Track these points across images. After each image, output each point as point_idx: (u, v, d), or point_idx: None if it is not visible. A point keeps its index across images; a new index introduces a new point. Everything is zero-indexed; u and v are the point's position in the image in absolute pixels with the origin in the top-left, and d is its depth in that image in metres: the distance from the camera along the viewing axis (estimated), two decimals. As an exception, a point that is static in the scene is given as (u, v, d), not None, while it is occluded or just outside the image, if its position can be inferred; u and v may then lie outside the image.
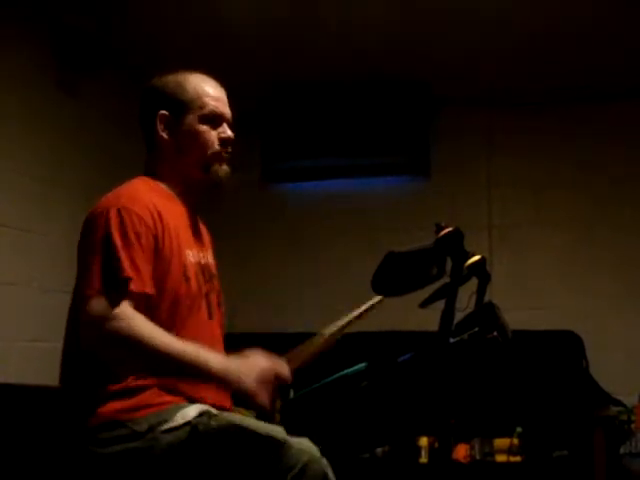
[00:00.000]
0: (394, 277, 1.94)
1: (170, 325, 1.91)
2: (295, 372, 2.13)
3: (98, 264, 1.83)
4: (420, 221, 4.67)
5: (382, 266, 1.92)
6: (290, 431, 1.82)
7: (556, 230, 4.97)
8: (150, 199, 2.00)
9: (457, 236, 1.92)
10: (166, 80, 2.14)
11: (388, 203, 5.17)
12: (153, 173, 2.11)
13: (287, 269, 5.19)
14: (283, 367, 1.89)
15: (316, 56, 4.64)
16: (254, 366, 1.84)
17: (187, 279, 1.99)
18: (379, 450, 4.11)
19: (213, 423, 1.86)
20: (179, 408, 1.88)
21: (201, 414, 1.88)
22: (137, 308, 1.82)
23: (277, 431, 1.85)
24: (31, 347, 3.79)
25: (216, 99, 2.12)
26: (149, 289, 1.86)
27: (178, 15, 4.17)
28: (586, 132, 4.97)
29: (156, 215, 1.96)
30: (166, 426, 1.84)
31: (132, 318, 1.79)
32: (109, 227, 1.87)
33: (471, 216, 4.88)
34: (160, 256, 1.94)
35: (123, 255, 1.85)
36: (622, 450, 4.02)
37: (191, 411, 1.88)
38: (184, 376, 1.87)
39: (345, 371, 1.81)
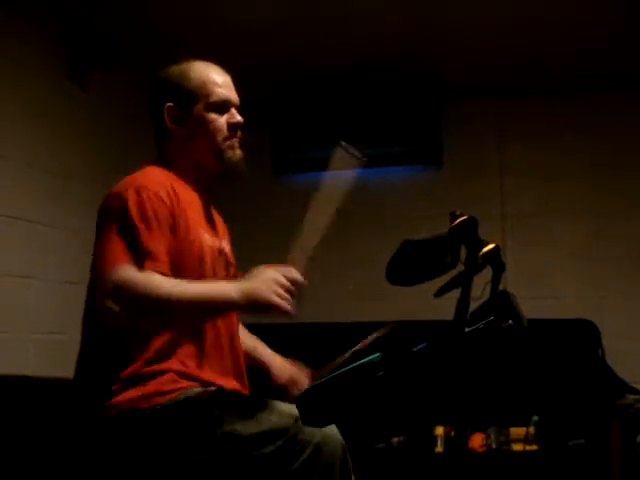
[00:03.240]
0: (409, 266, 1.93)
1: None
2: (309, 362, 2.15)
3: (117, 241, 1.84)
4: (432, 210, 4.67)
5: (397, 255, 1.92)
6: (305, 421, 1.83)
7: (570, 218, 4.95)
8: (163, 179, 2.01)
9: (472, 224, 1.91)
10: (170, 71, 2.15)
11: (400, 193, 5.16)
12: (165, 163, 2.11)
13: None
14: (292, 271, 1.91)
15: (328, 47, 4.63)
16: (267, 280, 1.84)
17: (202, 259, 2.00)
18: (395, 440, 4.12)
19: (228, 404, 1.89)
20: (194, 393, 1.90)
21: (216, 397, 1.90)
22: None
23: (291, 409, 1.87)
24: (48, 339, 3.81)
25: (221, 85, 2.12)
26: (164, 268, 1.86)
27: (191, 8, 4.17)
28: (599, 120, 4.94)
29: (172, 193, 1.98)
30: (183, 412, 1.86)
31: (142, 276, 1.79)
32: (127, 206, 1.88)
33: (484, 205, 4.87)
34: (177, 233, 1.94)
35: (142, 231, 1.85)
36: (638, 438, 4.01)
37: (206, 395, 1.90)
38: (211, 316, 1.90)
39: (361, 361, 1.81)
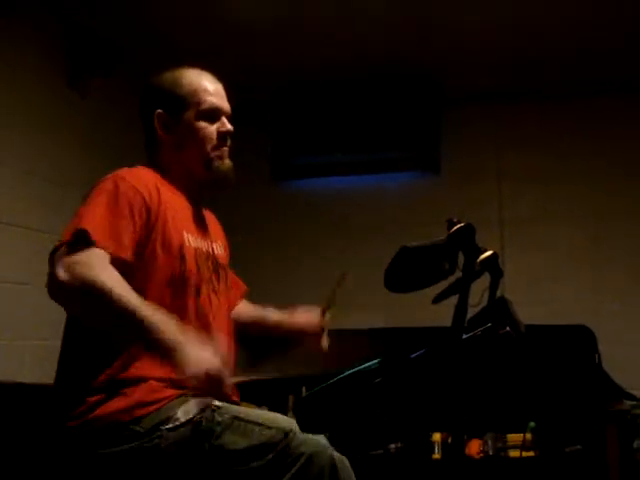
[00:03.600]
0: (407, 273, 1.94)
1: (160, 302, 1.88)
2: (307, 367, 2.15)
3: (74, 220, 1.86)
4: (430, 216, 4.67)
5: (395, 261, 1.92)
6: (303, 428, 1.83)
7: (568, 224, 4.96)
8: (148, 176, 2.02)
9: (469, 231, 1.92)
10: (162, 78, 2.14)
11: (399, 199, 5.17)
12: (156, 169, 2.11)
13: (298, 265, 5.20)
14: (227, 378, 1.78)
15: (327, 53, 4.63)
16: (206, 362, 1.71)
17: (183, 257, 1.98)
18: (392, 446, 4.12)
19: (217, 417, 1.85)
20: (180, 404, 1.86)
21: (204, 409, 1.86)
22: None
23: (283, 421, 1.86)
24: (45, 346, 3.80)
25: (213, 93, 2.11)
26: (125, 254, 1.84)
27: (190, 14, 4.18)
28: (597, 125, 4.95)
29: (154, 191, 1.97)
30: (169, 425, 1.83)
31: (102, 268, 1.76)
32: (102, 191, 1.90)
33: (482, 211, 4.88)
34: (155, 230, 1.93)
35: (106, 215, 1.85)
36: (635, 444, 4.01)
37: (193, 406, 1.87)
38: (134, 334, 1.77)
39: (358, 367, 1.82)
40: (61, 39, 4.05)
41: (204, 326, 2.00)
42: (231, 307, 2.25)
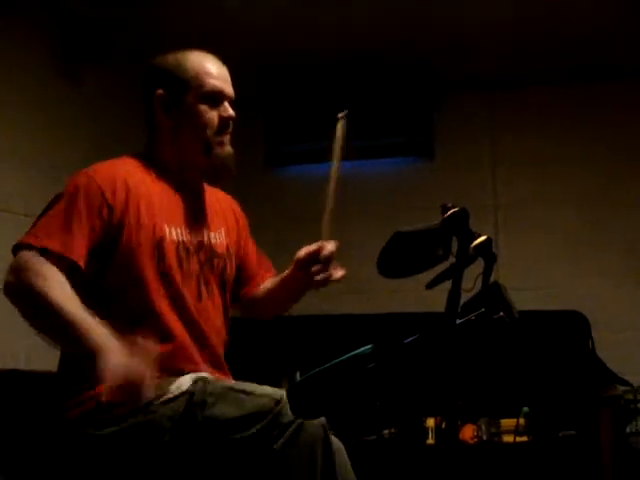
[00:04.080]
0: (400, 258, 1.93)
1: (140, 302, 1.89)
2: (300, 354, 2.14)
3: (47, 222, 1.89)
4: (425, 202, 4.67)
5: (388, 247, 1.92)
6: (296, 414, 1.83)
7: (562, 209, 4.96)
8: (120, 172, 1.98)
9: (463, 216, 1.91)
10: (166, 58, 2.10)
11: (392, 184, 5.16)
12: (150, 153, 2.08)
13: (292, 252, 5.18)
14: (149, 382, 1.72)
15: (319, 38, 4.62)
16: (124, 371, 1.67)
17: (160, 248, 1.95)
18: (386, 432, 4.13)
19: (208, 388, 1.86)
20: (173, 379, 1.88)
21: (195, 381, 1.88)
22: (59, 269, 1.81)
23: (273, 391, 1.87)
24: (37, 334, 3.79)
25: (216, 77, 2.06)
26: (75, 256, 1.84)
27: (182, 3, 4.16)
28: (592, 110, 4.95)
29: (121, 186, 1.94)
30: (162, 399, 1.84)
31: (47, 276, 1.78)
32: (65, 193, 1.92)
33: (476, 196, 4.88)
34: (126, 227, 1.91)
35: (65, 220, 1.86)
36: (628, 429, 4.04)
37: (185, 380, 1.88)
38: (63, 339, 1.80)
39: (351, 353, 1.81)
40: (53, 26, 4.02)
41: (192, 316, 1.99)
42: (222, 302, 2.19)
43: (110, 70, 4.39)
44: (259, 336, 4.48)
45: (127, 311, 1.91)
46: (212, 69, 2.07)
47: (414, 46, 4.75)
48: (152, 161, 2.08)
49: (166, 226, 1.99)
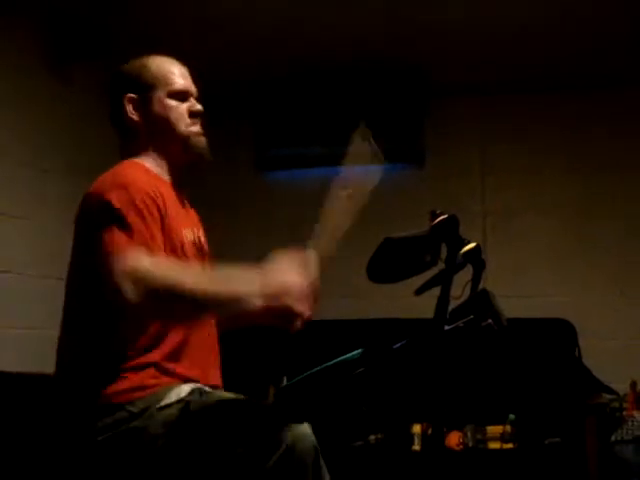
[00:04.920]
0: (390, 264, 1.94)
1: None
2: (288, 360, 2.14)
3: (117, 235, 1.82)
4: (414, 209, 4.67)
5: (378, 253, 1.92)
6: (283, 418, 1.83)
7: (550, 218, 4.98)
8: (147, 175, 2.01)
9: (452, 223, 1.92)
10: (129, 64, 2.17)
11: (381, 191, 5.15)
12: (134, 156, 2.09)
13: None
14: (310, 273, 1.90)
15: (309, 43, 4.62)
16: (288, 285, 1.83)
17: (186, 256, 2.00)
18: (372, 437, 4.13)
19: (204, 399, 1.87)
20: (173, 388, 1.89)
21: (193, 391, 1.89)
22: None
23: (269, 409, 1.88)
24: (27, 334, 3.79)
25: (180, 75, 2.13)
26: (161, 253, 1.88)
27: (172, 3, 4.16)
28: (581, 119, 4.97)
29: (157, 190, 1.97)
30: (159, 405, 1.85)
31: (162, 265, 1.80)
32: (116, 204, 1.86)
33: (465, 203, 4.89)
34: (164, 231, 1.94)
35: (139, 223, 1.85)
36: (613, 437, 4.04)
37: (184, 389, 1.90)
38: (227, 309, 1.88)
39: (340, 358, 1.82)
40: (45, 25, 4.01)
41: (194, 326, 2.01)
42: None
43: (101, 69, 4.37)
44: (246, 342, 4.47)
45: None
46: (175, 69, 2.15)
47: (404, 53, 4.76)
48: (136, 159, 2.09)
49: (183, 229, 2.04)
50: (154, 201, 1.93)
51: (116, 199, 1.87)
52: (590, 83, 4.92)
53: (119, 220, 1.84)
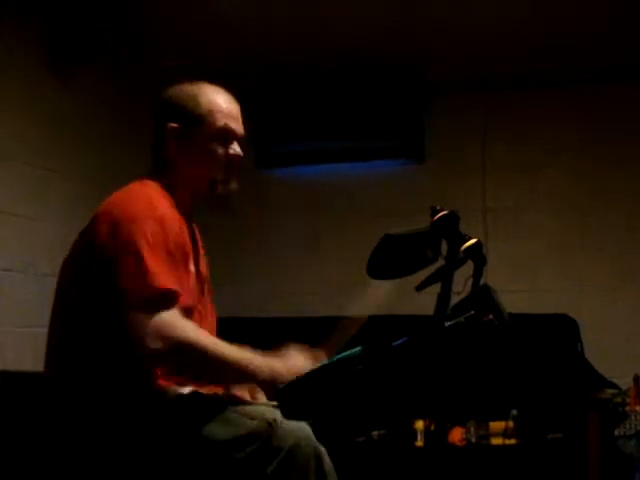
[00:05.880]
0: (390, 260, 1.94)
1: None
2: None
3: (142, 273, 1.80)
4: (414, 205, 4.67)
5: (378, 249, 1.92)
6: (285, 416, 1.83)
7: (551, 213, 4.98)
8: (174, 212, 1.99)
9: (452, 219, 1.92)
10: (179, 91, 2.10)
11: (382, 187, 5.16)
12: (161, 181, 2.06)
13: (281, 253, 5.19)
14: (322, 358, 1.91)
15: (310, 40, 4.62)
16: (298, 369, 1.84)
17: (189, 289, 1.99)
18: (375, 434, 4.13)
19: (204, 407, 1.88)
20: (169, 391, 1.91)
21: (193, 397, 1.91)
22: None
23: (267, 412, 1.87)
24: (28, 333, 3.78)
25: (228, 115, 2.09)
26: (191, 302, 1.91)
27: (173, 1, 4.15)
28: (582, 115, 4.96)
29: (182, 229, 1.98)
30: (159, 408, 1.87)
31: (194, 328, 1.82)
32: (151, 238, 1.84)
33: (465, 199, 4.88)
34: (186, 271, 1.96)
35: (167, 267, 1.83)
36: (616, 432, 4.04)
37: (184, 389, 1.92)
38: (237, 382, 1.95)
39: (340, 355, 1.81)
40: (43, 26, 4.00)
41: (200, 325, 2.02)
42: (214, 321, 2.22)
43: (100, 69, 4.38)
44: (248, 339, 4.47)
45: None
46: (225, 107, 2.10)
47: (405, 49, 4.75)
48: (165, 189, 2.07)
49: (191, 260, 2.03)
50: (182, 242, 1.93)
51: (150, 233, 1.84)
52: (593, 78, 4.91)
53: (150, 258, 1.81)
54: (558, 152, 5.00)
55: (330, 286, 4.97)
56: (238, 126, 2.11)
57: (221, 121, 2.06)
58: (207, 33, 4.42)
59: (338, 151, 5.12)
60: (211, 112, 2.06)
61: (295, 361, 1.88)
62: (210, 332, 2.07)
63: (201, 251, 2.18)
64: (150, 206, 1.91)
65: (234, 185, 2.10)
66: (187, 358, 1.80)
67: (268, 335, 2.06)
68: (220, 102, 2.09)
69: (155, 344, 1.75)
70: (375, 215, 4.98)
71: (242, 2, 4.17)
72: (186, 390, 1.92)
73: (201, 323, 2.00)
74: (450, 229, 1.90)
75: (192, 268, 2.02)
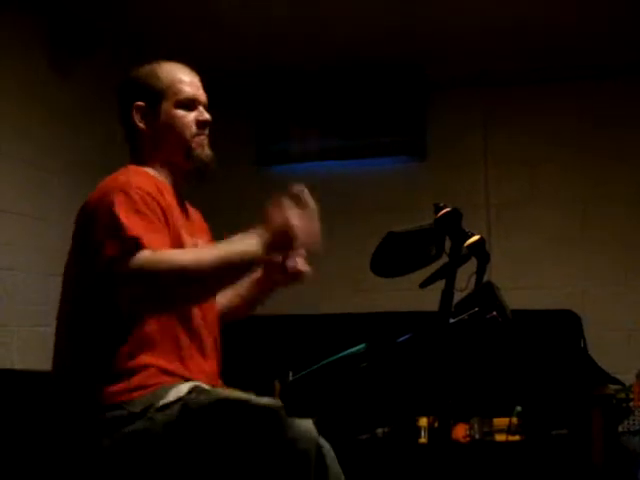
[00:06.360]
0: (393, 257, 1.94)
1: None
2: (293, 354, 2.14)
3: (110, 235, 1.83)
4: (417, 202, 4.68)
5: (381, 246, 1.92)
6: (290, 413, 1.83)
7: (554, 209, 4.97)
8: (150, 179, 2.03)
9: (455, 216, 1.92)
10: (139, 71, 2.17)
11: (385, 184, 5.16)
12: (139, 163, 2.11)
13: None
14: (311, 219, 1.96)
15: (311, 38, 4.61)
16: (287, 231, 1.89)
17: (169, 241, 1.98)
18: (379, 431, 4.13)
19: (203, 398, 1.88)
20: (172, 387, 1.90)
21: (191, 390, 1.90)
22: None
23: (269, 402, 1.87)
24: (33, 332, 3.79)
25: (189, 84, 2.13)
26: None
27: (173, 1, 4.15)
28: (584, 109, 4.96)
29: (159, 193, 1.98)
30: (159, 405, 1.86)
31: (162, 253, 1.81)
32: (117, 205, 1.87)
33: (468, 196, 4.88)
34: (168, 227, 1.95)
35: (139, 221, 1.85)
36: (620, 428, 4.04)
37: (183, 388, 1.90)
38: (238, 270, 1.90)
39: (345, 352, 1.81)
40: (43, 20, 4.00)
41: (195, 327, 2.02)
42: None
43: (104, 66, 4.37)
44: (251, 337, 4.47)
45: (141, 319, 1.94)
46: (185, 78, 2.15)
47: (405, 47, 4.75)
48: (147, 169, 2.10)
49: (182, 231, 2.04)
50: (156, 201, 1.93)
51: (117, 202, 1.87)
52: (593, 73, 4.91)
53: (119, 223, 1.84)
54: (560, 147, 4.99)
55: (330, 283, 4.97)
56: (200, 93, 2.16)
57: (183, 90, 2.12)
58: (207, 31, 4.42)
59: (339, 148, 5.12)
60: (173, 83, 2.12)
61: (285, 226, 1.90)
62: (213, 308, 2.12)
63: (199, 230, 2.19)
64: (114, 182, 1.95)
65: (209, 151, 2.14)
66: (177, 284, 1.80)
67: (276, 334, 2.06)
68: (179, 73, 2.15)
69: (144, 294, 1.78)
70: (377, 212, 4.98)
71: (242, 2, 4.16)
72: (186, 386, 1.91)
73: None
74: (453, 226, 1.90)
75: (186, 240, 2.03)
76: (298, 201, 1.95)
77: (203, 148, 2.12)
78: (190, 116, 2.11)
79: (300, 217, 1.91)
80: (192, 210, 2.24)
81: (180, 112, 2.10)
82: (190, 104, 2.12)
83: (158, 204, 1.94)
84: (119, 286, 1.79)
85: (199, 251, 1.91)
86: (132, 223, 1.84)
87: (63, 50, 4.08)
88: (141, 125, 2.10)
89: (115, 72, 4.39)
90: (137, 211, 1.88)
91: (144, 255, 1.78)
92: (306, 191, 1.99)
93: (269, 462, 1.81)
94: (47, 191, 4.01)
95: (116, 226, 1.84)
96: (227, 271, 1.86)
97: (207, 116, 2.14)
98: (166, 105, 2.10)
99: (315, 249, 1.96)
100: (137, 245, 1.80)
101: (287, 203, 1.93)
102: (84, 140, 4.25)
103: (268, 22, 4.39)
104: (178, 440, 1.84)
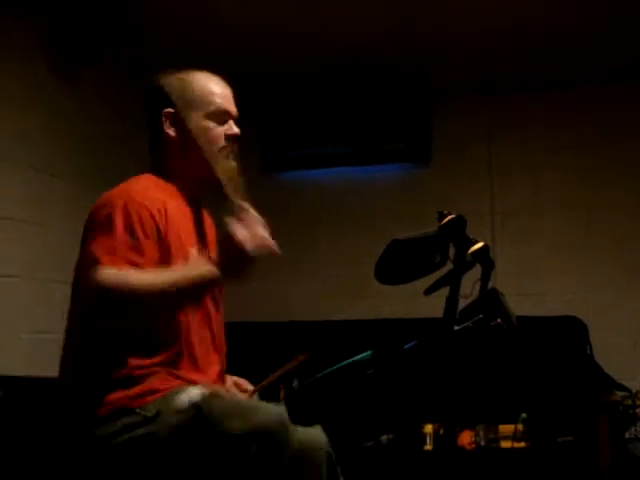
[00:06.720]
0: (398, 265, 1.94)
1: (168, 319, 1.95)
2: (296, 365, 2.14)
3: (100, 247, 1.85)
4: (421, 209, 4.67)
5: (386, 254, 1.92)
6: (295, 420, 1.83)
7: (559, 216, 4.96)
8: (157, 194, 2.02)
9: (460, 223, 1.92)
10: (172, 78, 2.15)
11: (389, 191, 5.16)
12: (160, 171, 2.12)
13: (288, 257, 5.18)
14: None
15: (316, 44, 4.62)
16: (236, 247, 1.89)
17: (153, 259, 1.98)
18: (384, 437, 4.12)
19: (216, 403, 1.88)
20: (182, 391, 1.91)
21: (204, 395, 1.90)
22: None
23: (279, 409, 1.87)
24: (36, 339, 3.79)
25: (222, 96, 2.14)
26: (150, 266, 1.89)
27: (177, 4, 4.16)
28: (588, 116, 4.95)
29: (162, 209, 1.98)
30: (171, 409, 1.87)
31: (114, 271, 1.81)
32: (113, 215, 1.89)
33: (473, 203, 4.87)
34: (163, 250, 1.95)
35: (126, 239, 1.87)
36: (627, 435, 4.02)
37: (194, 392, 1.91)
38: (187, 293, 1.91)
39: (351, 359, 1.81)
40: (47, 27, 4.00)
41: (202, 331, 2.04)
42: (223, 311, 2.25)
43: (106, 70, 4.38)
44: (257, 342, 4.47)
45: (157, 327, 1.96)
46: (218, 89, 2.15)
47: (411, 53, 4.75)
48: (165, 178, 2.11)
49: (189, 246, 2.05)
50: (152, 217, 1.94)
51: (114, 211, 1.90)
52: (598, 79, 4.90)
53: (107, 233, 1.87)
54: (565, 154, 4.98)
55: (338, 289, 4.97)
56: (232, 106, 2.17)
57: (216, 102, 2.12)
58: (214, 37, 4.43)
59: (345, 155, 5.12)
60: (205, 95, 2.12)
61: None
62: (220, 319, 2.14)
63: (210, 240, 2.20)
64: (116, 192, 1.97)
65: (234, 163, 2.15)
66: (125, 301, 1.80)
67: (281, 340, 2.06)
68: (212, 85, 2.15)
69: (92, 304, 1.80)
70: (381, 219, 4.98)
71: (242, 3, 4.16)
72: (197, 390, 1.92)
73: (203, 307, 2.05)
74: (458, 233, 1.90)
75: (193, 252, 2.03)
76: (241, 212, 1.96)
77: (228, 161, 2.12)
78: (219, 129, 2.12)
79: (242, 227, 1.92)
80: (209, 221, 2.24)
81: (210, 124, 2.11)
82: (221, 117, 2.13)
83: (152, 217, 1.94)
84: (81, 291, 1.84)
85: (158, 273, 1.88)
86: (102, 240, 1.87)
87: (64, 54, 4.07)
88: (170, 132, 2.10)
89: (116, 76, 4.42)
90: (128, 225, 1.89)
91: (103, 273, 1.80)
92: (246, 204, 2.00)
93: (278, 468, 1.81)
94: (52, 198, 4.01)
95: (105, 236, 1.87)
96: (179, 295, 1.88)
97: (236, 130, 2.14)
98: (196, 115, 2.10)
99: (269, 253, 1.98)
100: (96, 262, 1.82)
101: (229, 220, 1.93)
102: (85, 146, 4.25)
103: (269, 25, 4.40)
104: (189, 444, 1.85)
